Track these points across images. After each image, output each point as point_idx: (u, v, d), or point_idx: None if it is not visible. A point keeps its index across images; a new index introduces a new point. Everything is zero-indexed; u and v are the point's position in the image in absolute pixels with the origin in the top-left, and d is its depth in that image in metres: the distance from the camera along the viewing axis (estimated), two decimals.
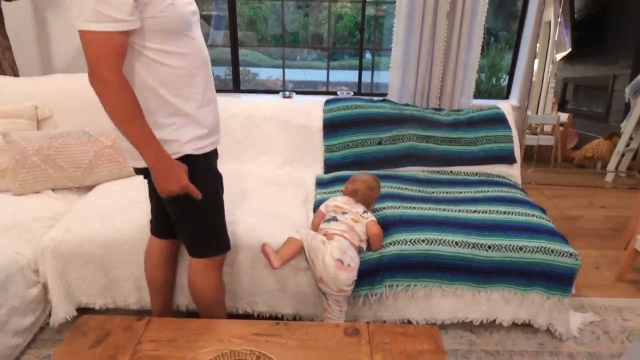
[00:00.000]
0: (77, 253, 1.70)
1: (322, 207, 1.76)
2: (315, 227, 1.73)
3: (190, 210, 1.36)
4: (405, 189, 2.04)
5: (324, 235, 1.63)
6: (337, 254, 1.54)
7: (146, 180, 1.48)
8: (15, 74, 2.79)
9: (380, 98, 2.66)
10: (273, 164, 2.29)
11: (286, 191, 2.03)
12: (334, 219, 1.66)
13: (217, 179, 1.45)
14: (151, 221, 1.59)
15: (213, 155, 1.43)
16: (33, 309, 1.69)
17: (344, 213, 1.68)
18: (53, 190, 2.04)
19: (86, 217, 1.78)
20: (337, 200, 1.74)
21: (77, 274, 1.73)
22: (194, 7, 1.30)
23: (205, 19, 5.00)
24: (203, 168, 1.36)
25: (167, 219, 1.46)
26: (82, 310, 1.78)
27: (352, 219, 1.65)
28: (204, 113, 1.34)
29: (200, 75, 1.31)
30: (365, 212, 1.71)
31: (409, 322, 1.75)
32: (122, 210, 1.80)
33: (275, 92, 3.59)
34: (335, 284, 1.54)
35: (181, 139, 1.28)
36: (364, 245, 1.65)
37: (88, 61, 1.11)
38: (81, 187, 2.11)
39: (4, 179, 1.99)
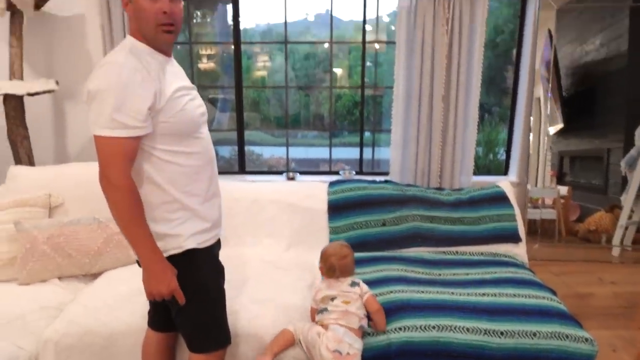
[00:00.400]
0: (80, 345, 1.66)
1: (312, 303, 1.72)
2: (314, 321, 1.70)
3: (189, 306, 1.35)
4: (412, 271, 2.04)
5: (320, 325, 1.59)
6: (333, 345, 1.49)
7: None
8: (31, 162, 2.90)
9: (383, 179, 2.74)
10: (278, 247, 2.31)
11: (291, 275, 2.02)
12: (325, 309, 1.62)
13: (219, 272, 1.46)
14: (149, 312, 1.58)
15: (216, 247, 1.46)
16: None
17: (332, 299, 1.62)
18: (59, 278, 2.04)
19: (90, 307, 1.76)
20: (321, 290, 1.67)
21: None
22: (203, 108, 1.40)
23: (212, 102, 5.27)
24: (205, 262, 1.38)
25: (166, 312, 1.46)
26: None
27: (343, 302, 1.60)
28: (208, 207, 1.38)
29: (206, 172, 1.37)
30: (353, 283, 1.65)
31: None
32: (127, 299, 1.79)
33: (279, 172, 3.70)
34: None
35: (184, 233, 1.32)
36: (365, 323, 1.60)
37: (100, 163, 1.19)
38: (87, 275, 2.11)
39: (12, 267, 2.00)
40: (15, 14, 2.75)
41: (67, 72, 3.21)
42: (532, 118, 3.41)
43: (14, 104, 2.78)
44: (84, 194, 2.30)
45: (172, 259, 1.31)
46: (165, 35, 1.26)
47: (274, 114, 5.72)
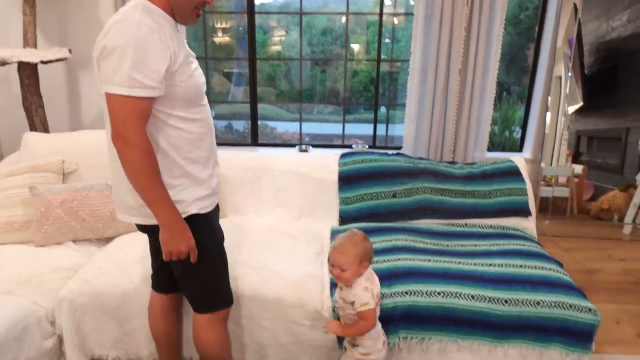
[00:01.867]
0: (93, 304, 1.72)
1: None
2: None
3: (193, 267, 1.38)
4: (420, 241, 2.04)
5: None
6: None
7: (146, 236, 1.51)
8: (46, 130, 2.95)
9: (395, 152, 2.72)
10: (288, 216, 2.33)
11: (301, 243, 2.05)
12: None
13: (219, 236, 1.48)
14: (152, 276, 1.62)
15: (216, 212, 1.48)
16: None
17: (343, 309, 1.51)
18: (74, 241, 2.09)
19: (104, 269, 1.81)
20: (338, 302, 1.52)
21: (93, 326, 1.74)
22: (204, 78, 1.41)
23: (227, 76, 5.26)
24: (206, 227, 1.40)
25: (168, 274, 1.50)
26: None
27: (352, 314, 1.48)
28: (208, 175, 1.40)
29: (207, 140, 1.39)
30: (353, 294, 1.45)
31: None
32: (138, 262, 1.83)
33: (292, 145, 3.70)
34: None
35: (187, 199, 1.33)
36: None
37: (113, 122, 1.17)
38: (101, 239, 2.16)
39: (27, 230, 2.05)
40: None
41: (80, 40, 3.22)
42: (550, 97, 3.33)
43: (28, 72, 2.80)
44: (98, 161, 2.34)
45: None
46: (195, 18, 1.30)
47: (289, 89, 5.69)
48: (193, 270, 1.40)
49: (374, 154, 2.49)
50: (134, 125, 1.17)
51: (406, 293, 1.65)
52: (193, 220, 1.35)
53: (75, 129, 3.41)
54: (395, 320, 1.61)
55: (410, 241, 2.02)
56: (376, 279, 1.52)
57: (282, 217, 2.32)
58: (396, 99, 4.12)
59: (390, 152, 2.64)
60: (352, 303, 1.44)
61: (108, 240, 2.16)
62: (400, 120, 3.53)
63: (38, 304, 1.70)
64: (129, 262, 1.83)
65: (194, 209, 1.35)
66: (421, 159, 2.55)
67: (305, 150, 3.51)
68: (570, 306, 1.60)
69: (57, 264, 1.89)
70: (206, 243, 1.39)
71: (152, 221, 1.29)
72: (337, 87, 5.83)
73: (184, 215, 1.32)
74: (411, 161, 2.46)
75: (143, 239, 2.05)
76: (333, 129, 6.03)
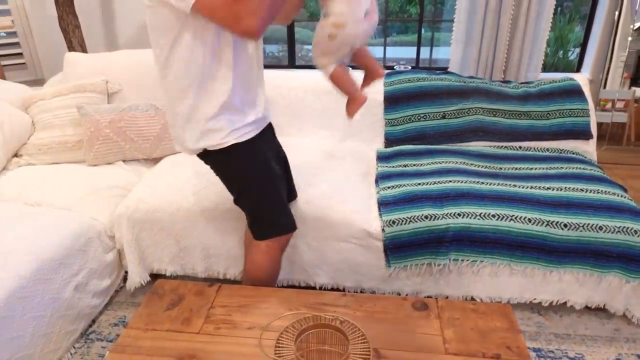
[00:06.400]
0: (149, 220, 1.78)
1: None
2: None
3: (244, 194, 1.38)
4: (472, 164, 1.97)
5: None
6: None
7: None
8: (84, 50, 2.91)
9: (442, 71, 2.57)
10: (333, 137, 2.28)
11: (347, 164, 2.01)
12: None
13: (268, 161, 1.41)
14: None
15: (264, 134, 1.41)
16: (109, 273, 1.79)
17: None
18: (124, 161, 2.13)
19: (157, 188, 1.84)
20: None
21: (150, 241, 1.81)
22: None
23: None
24: (252, 153, 1.35)
25: None
26: (154, 276, 1.87)
27: None
28: (250, 102, 1.33)
29: (253, 63, 1.31)
30: None
31: (473, 299, 1.70)
32: (189, 181, 1.85)
33: None
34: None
35: (227, 128, 1.28)
36: None
37: (225, 21, 1.09)
38: (148, 159, 2.19)
39: (79, 150, 2.09)
40: None
41: None
42: (616, 14, 2.99)
43: None
44: (140, 81, 2.31)
45: (215, 153, 1.31)
46: None
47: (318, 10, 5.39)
48: (244, 197, 1.40)
49: (421, 72, 2.36)
50: (237, 8, 1.06)
51: (459, 215, 1.61)
52: (235, 150, 1.31)
53: (111, 49, 3.35)
54: (447, 241, 1.60)
55: (461, 164, 1.95)
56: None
57: (326, 139, 2.27)
58: (441, 17, 3.83)
59: (438, 71, 2.49)
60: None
61: (155, 160, 2.18)
62: (444, 42, 3.30)
63: (96, 220, 1.77)
64: (180, 182, 1.86)
65: (230, 140, 1.29)
66: (472, 77, 2.40)
67: None
68: (636, 232, 1.53)
69: (110, 182, 1.94)
70: (253, 171, 1.36)
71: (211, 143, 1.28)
72: None
73: (223, 145, 1.29)
74: (461, 80, 2.31)
75: (192, 158, 2.06)
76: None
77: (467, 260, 1.62)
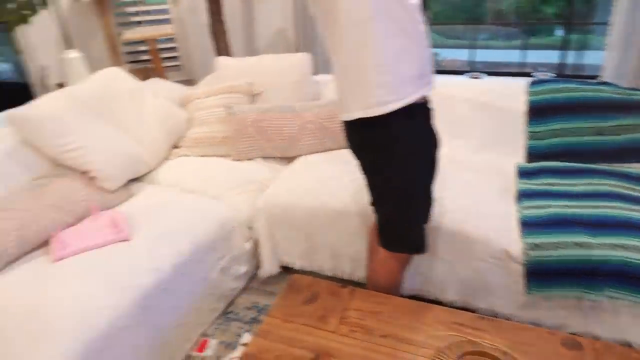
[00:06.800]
0: (284, 216, 1.89)
1: None
2: None
3: (382, 198, 1.34)
4: (630, 188, 1.74)
5: None
6: None
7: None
8: (229, 54, 3.18)
9: (597, 80, 2.31)
10: (467, 148, 2.18)
11: (483, 178, 1.92)
12: None
13: (425, 149, 1.32)
14: None
15: (422, 107, 1.33)
16: (246, 260, 1.95)
17: None
18: (263, 158, 2.28)
19: (292, 186, 1.95)
20: None
21: (283, 235, 1.92)
22: None
23: None
24: (405, 129, 1.25)
25: None
26: (284, 268, 1.99)
27: None
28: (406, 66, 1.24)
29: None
30: None
31: (630, 345, 1.51)
32: (322, 182, 1.92)
33: (460, 73, 3.41)
34: None
35: (385, 98, 1.20)
36: None
37: None
38: (284, 157, 2.32)
39: (225, 145, 2.29)
40: None
41: None
42: None
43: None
44: (280, 84, 2.46)
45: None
46: None
47: (441, 9, 5.19)
48: (381, 202, 1.36)
49: (572, 81, 2.15)
50: None
51: (617, 246, 1.44)
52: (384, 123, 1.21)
53: (250, 53, 3.61)
54: (601, 275, 1.43)
55: (619, 187, 1.74)
56: None
57: (459, 149, 2.18)
58: (591, 16, 3.44)
59: (590, 81, 2.25)
60: None
61: (290, 159, 2.30)
62: (596, 45, 2.96)
63: (238, 210, 1.93)
64: (315, 182, 1.94)
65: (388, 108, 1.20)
66: (634, 89, 2.12)
67: (477, 78, 3.21)
68: None
69: (250, 177, 2.10)
70: (390, 170, 1.28)
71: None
72: (499, 8, 5.13)
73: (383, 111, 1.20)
74: (621, 92, 2.05)
75: (324, 159, 2.15)
76: (501, 56, 5.41)
77: (626, 299, 1.44)
